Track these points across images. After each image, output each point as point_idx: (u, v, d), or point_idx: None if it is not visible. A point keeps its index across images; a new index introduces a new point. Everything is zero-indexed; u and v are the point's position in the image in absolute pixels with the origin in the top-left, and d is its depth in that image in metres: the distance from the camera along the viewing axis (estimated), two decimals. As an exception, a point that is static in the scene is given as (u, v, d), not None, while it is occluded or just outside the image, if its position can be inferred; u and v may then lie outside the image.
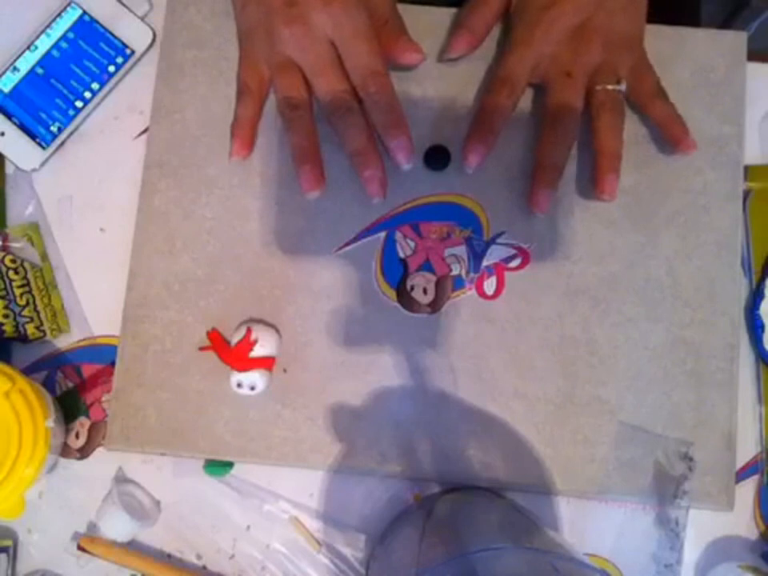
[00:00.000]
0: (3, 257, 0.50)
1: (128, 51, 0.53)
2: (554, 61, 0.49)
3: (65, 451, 0.50)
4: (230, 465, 0.49)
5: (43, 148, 0.52)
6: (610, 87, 0.49)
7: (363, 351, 0.49)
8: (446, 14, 0.52)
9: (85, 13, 0.53)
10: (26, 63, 0.52)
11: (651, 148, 0.51)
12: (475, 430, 0.48)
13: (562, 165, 0.49)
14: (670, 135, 0.50)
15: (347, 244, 0.50)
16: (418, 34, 0.51)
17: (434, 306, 0.50)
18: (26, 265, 0.50)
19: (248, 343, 0.47)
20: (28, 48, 0.52)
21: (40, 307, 0.50)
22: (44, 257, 0.52)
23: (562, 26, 0.48)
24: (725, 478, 0.48)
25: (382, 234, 0.50)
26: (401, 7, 0.51)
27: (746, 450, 0.50)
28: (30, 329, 0.50)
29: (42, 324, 0.50)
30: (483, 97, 0.50)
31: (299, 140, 0.49)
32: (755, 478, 0.50)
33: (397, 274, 0.50)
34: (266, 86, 0.51)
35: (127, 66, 0.53)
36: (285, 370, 0.49)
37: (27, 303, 0.50)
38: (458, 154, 0.50)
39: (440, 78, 0.51)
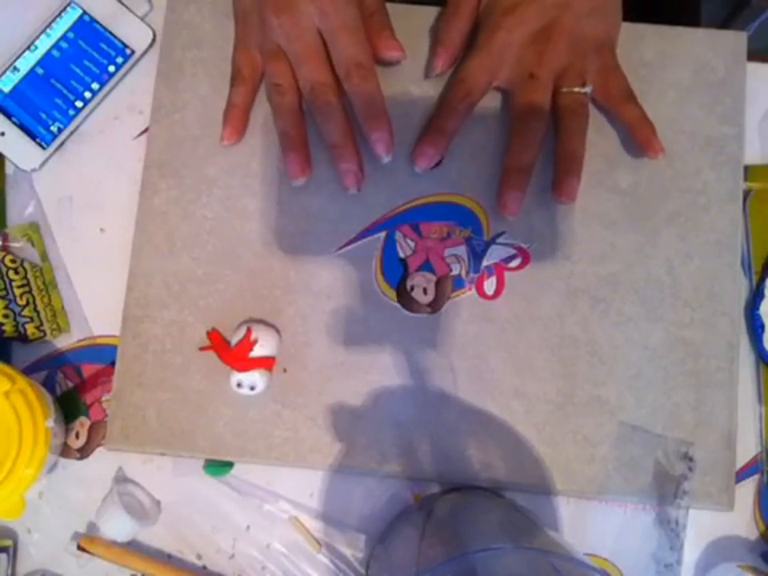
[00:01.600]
0: (3, 257, 0.50)
1: (128, 51, 0.53)
2: (518, 64, 0.48)
3: (65, 451, 0.50)
4: (229, 465, 0.49)
5: (43, 148, 0.52)
6: (575, 90, 0.48)
7: (363, 351, 0.49)
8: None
9: (85, 13, 0.53)
10: (26, 63, 0.52)
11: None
12: (475, 430, 0.48)
13: (531, 167, 0.48)
14: (638, 138, 0.49)
15: (347, 244, 0.50)
16: (414, 34, 0.51)
17: (434, 305, 0.50)
18: (26, 265, 0.51)
19: (248, 343, 0.47)
20: (28, 48, 0.52)
21: (40, 307, 0.50)
22: (44, 257, 0.52)
23: (522, 31, 0.48)
24: (725, 477, 0.48)
25: (382, 234, 0.50)
26: (400, 7, 0.51)
27: (746, 450, 0.50)
28: (30, 329, 0.50)
29: (42, 324, 0.50)
30: (439, 99, 0.50)
31: (286, 127, 0.49)
32: (755, 477, 0.50)
33: (397, 273, 0.50)
34: (258, 73, 0.51)
35: (127, 66, 0.53)
36: (285, 370, 0.49)
37: (27, 303, 0.50)
38: (450, 151, 0.50)
39: (436, 78, 0.51)
